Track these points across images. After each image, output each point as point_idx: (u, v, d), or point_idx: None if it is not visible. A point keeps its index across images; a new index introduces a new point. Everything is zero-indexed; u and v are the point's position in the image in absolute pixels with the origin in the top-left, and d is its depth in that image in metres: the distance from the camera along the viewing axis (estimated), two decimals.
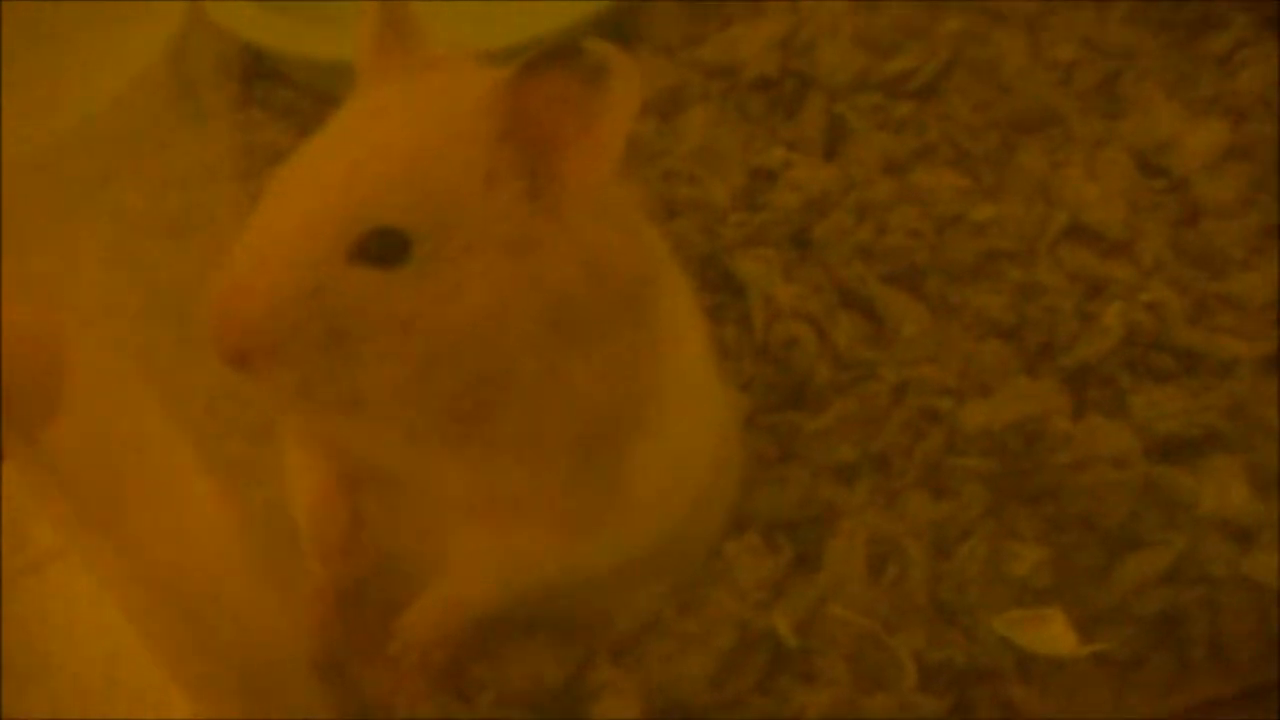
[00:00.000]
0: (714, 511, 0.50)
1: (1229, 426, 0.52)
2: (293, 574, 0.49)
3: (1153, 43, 0.71)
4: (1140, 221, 0.61)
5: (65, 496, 0.41)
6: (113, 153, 0.61)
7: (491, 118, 0.39)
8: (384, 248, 0.37)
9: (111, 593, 0.42)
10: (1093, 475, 0.50)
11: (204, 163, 0.63)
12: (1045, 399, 0.52)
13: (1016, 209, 0.62)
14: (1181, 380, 0.55)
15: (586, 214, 0.40)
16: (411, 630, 0.45)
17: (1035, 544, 0.48)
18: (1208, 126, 0.65)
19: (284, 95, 0.71)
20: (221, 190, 0.62)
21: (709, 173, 0.65)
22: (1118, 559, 0.49)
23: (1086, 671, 0.48)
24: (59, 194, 0.53)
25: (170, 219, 0.61)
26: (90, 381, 0.47)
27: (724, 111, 0.70)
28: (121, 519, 0.49)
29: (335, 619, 0.49)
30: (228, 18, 0.70)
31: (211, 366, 0.53)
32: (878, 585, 0.48)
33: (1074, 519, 0.50)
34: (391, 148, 0.38)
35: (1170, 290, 0.58)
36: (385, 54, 0.42)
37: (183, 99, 0.66)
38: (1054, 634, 0.46)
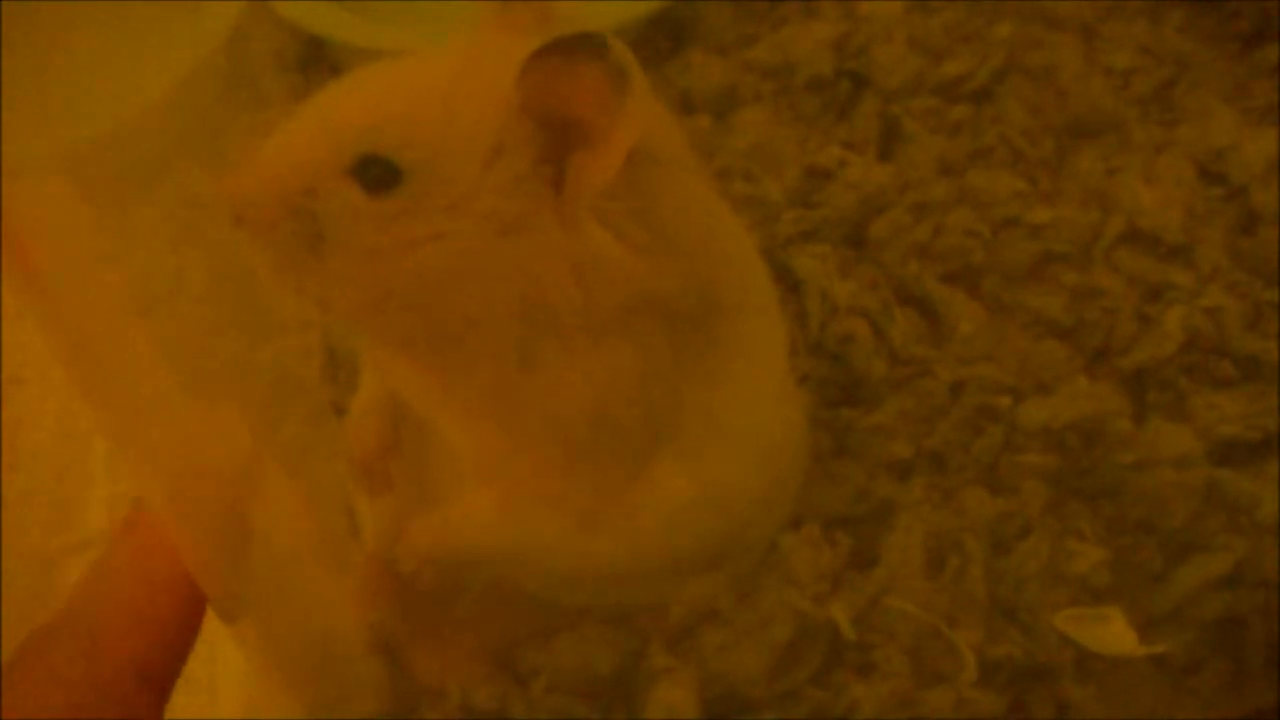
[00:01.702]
0: (776, 510, 0.50)
1: None
2: (349, 555, 0.49)
3: (1208, 52, 0.71)
4: (1198, 228, 0.61)
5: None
6: (175, 139, 0.61)
7: (516, 91, 0.39)
8: (377, 176, 0.39)
9: None
10: (1153, 477, 0.50)
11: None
12: (1105, 399, 0.52)
13: (1073, 213, 0.62)
14: (1240, 386, 0.55)
15: (589, 218, 0.40)
16: (406, 546, 0.46)
17: (1095, 544, 0.48)
18: (1265, 135, 0.65)
19: None
20: None
21: (763, 170, 0.65)
22: (1177, 562, 0.49)
23: (1143, 674, 0.47)
24: (125, 177, 0.53)
25: None
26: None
27: (778, 111, 0.69)
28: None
29: (388, 598, 0.49)
30: (287, 9, 0.71)
31: (275, 347, 0.53)
32: (936, 581, 0.48)
33: (1134, 520, 0.49)
34: (414, 87, 0.40)
35: (1228, 296, 0.58)
36: (502, 14, 0.43)
37: (242, 88, 0.67)
38: (1114, 633, 0.46)
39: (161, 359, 0.39)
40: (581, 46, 0.37)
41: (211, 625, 0.58)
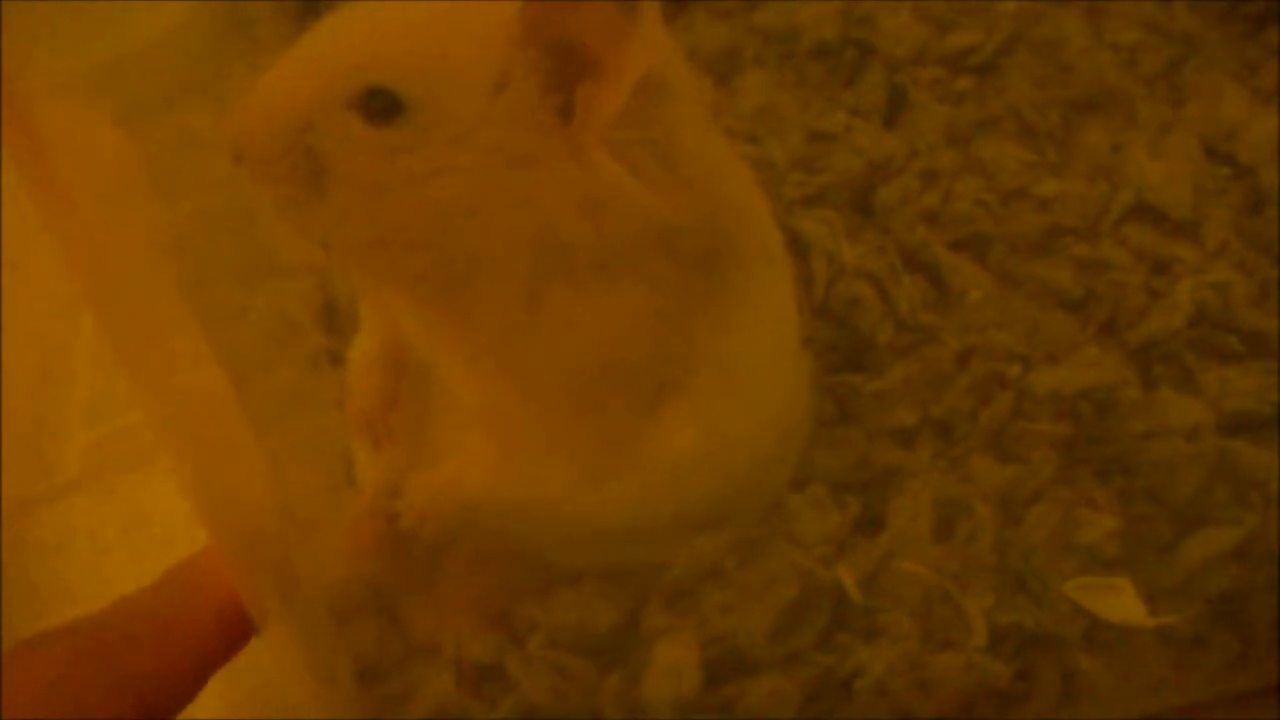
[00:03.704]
0: (780, 468, 0.49)
1: None
2: (342, 503, 0.48)
3: (1216, 32, 0.70)
4: (1205, 205, 0.60)
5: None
6: (171, 80, 0.59)
7: (519, 20, 0.38)
8: (379, 107, 0.38)
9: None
10: (1164, 447, 0.49)
11: None
12: (1116, 369, 0.51)
13: (1080, 186, 0.61)
14: (1247, 362, 0.54)
15: (600, 149, 0.39)
16: (407, 501, 0.45)
17: (1106, 512, 0.47)
18: (1273, 115, 0.64)
19: None
20: None
21: (767, 133, 0.64)
22: (1186, 534, 0.48)
23: (1150, 646, 0.47)
24: (120, 115, 0.52)
25: None
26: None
27: (782, 76, 0.68)
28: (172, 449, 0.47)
29: (380, 548, 0.48)
30: None
31: (270, 289, 0.52)
32: (945, 546, 0.47)
33: (1144, 491, 0.49)
34: (416, 18, 0.39)
35: (1236, 273, 0.57)
36: None
37: (238, 31, 0.65)
38: (1123, 603, 0.45)
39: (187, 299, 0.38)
40: None
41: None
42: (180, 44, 0.62)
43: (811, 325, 0.55)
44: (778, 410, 0.47)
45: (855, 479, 0.51)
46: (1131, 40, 0.69)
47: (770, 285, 0.46)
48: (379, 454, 0.47)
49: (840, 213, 0.59)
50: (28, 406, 0.63)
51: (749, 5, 0.73)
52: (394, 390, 0.47)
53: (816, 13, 0.70)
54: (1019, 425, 0.50)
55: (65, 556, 0.58)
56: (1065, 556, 0.47)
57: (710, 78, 0.68)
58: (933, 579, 0.45)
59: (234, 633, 0.40)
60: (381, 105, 0.38)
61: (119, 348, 0.35)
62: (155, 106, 0.58)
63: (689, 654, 0.44)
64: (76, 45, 0.56)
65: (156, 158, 0.55)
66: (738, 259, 0.43)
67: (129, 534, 0.58)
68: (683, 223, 0.40)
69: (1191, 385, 0.52)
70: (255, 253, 0.52)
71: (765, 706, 0.45)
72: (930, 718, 0.46)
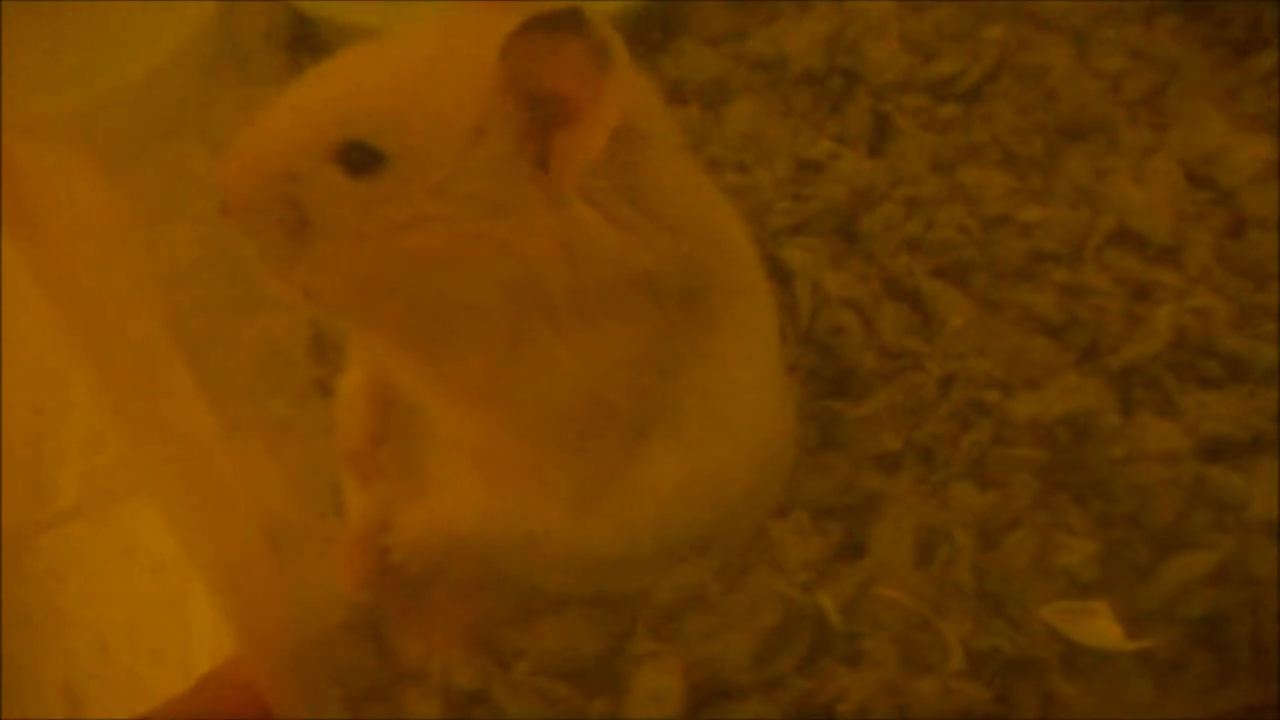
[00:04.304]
0: (764, 499, 0.49)
1: (1278, 432, 0.51)
2: (333, 533, 0.49)
3: (1200, 58, 0.71)
4: (1187, 230, 0.61)
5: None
6: (163, 113, 0.60)
7: (496, 70, 0.39)
8: (359, 160, 0.39)
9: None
10: (1142, 472, 0.50)
11: None
12: (1096, 394, 0.52)
13: (1063, 212, 0.62)
14: (1227, 386, 0.55)
15: (576, 196, 0.40)
16: (397, 535, 0.46)
17: (1084, 537, 0.48)
18: (1256, 141, 0.65)
19: None
20: None
21: (754, 161, 0.65)
22: (1164, 558, 0.49)
23: (1129, 669, 0.47)
24: (111, 150, 0.53)
25: None
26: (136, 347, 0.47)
27: (769, 104, 0.69)
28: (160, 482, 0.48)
29: (371, 576, 0.48)
30: None
31: (261, 325, 0.53)
32: (925, 572, 0.47)
33: (1122, 516, 0.49)
34: (394, 69, 0.40)
35: (1216, 298, 0.58)
36: None
37: (230, 64, 0.66)
38: (1101, 628, 0.46)
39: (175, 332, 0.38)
40: (563, 23, 0.37)
41: (184, 598, 0.58)
42: (171, 79, 0.63)
43: (796, 353, 0.56)
44: (762, 439, 0.48)
45: (838, 504, 0.52)
46: (1115, 67, 0.70)
47: (752, 315, 0.46)
48: (367, 488, 0.48)
49: (825, 240, 0.60)
50: (26, 434, 0.64)
51: (737, 34, 0.74)
52: (382, 424, 0.48)
53: (804, 41, 0.71)
54: (999, 451, 0.51)
55: (62, 583, 0.59)
56: (1043, 581, 0.47)
57: (698, 105, 0.69)
58: (912, 605, 0.46)
59: None
60: (361, 158, 0.39)
61: (105, 387, 0.36)
62: (146, 141, 0.59)
63: (672, 680, 0.45)
64: (64, 83, 0.57)
65: (146, 192, 0.56)
66: (718, 293, 0.44)
67: (125, 561, 0.59)
68: (660, 266, 0.41)
69: (1171, 409, 0.53)
70: (245, 285, 0.53)
71: None
72: None
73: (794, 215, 0.61)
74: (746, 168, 0.64)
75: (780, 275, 0.59)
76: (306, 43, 0.70)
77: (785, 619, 0.46)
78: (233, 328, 0.52)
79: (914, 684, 0.45)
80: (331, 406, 0.48)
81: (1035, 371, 0.54)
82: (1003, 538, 0.48)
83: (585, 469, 0.44)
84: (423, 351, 0.42)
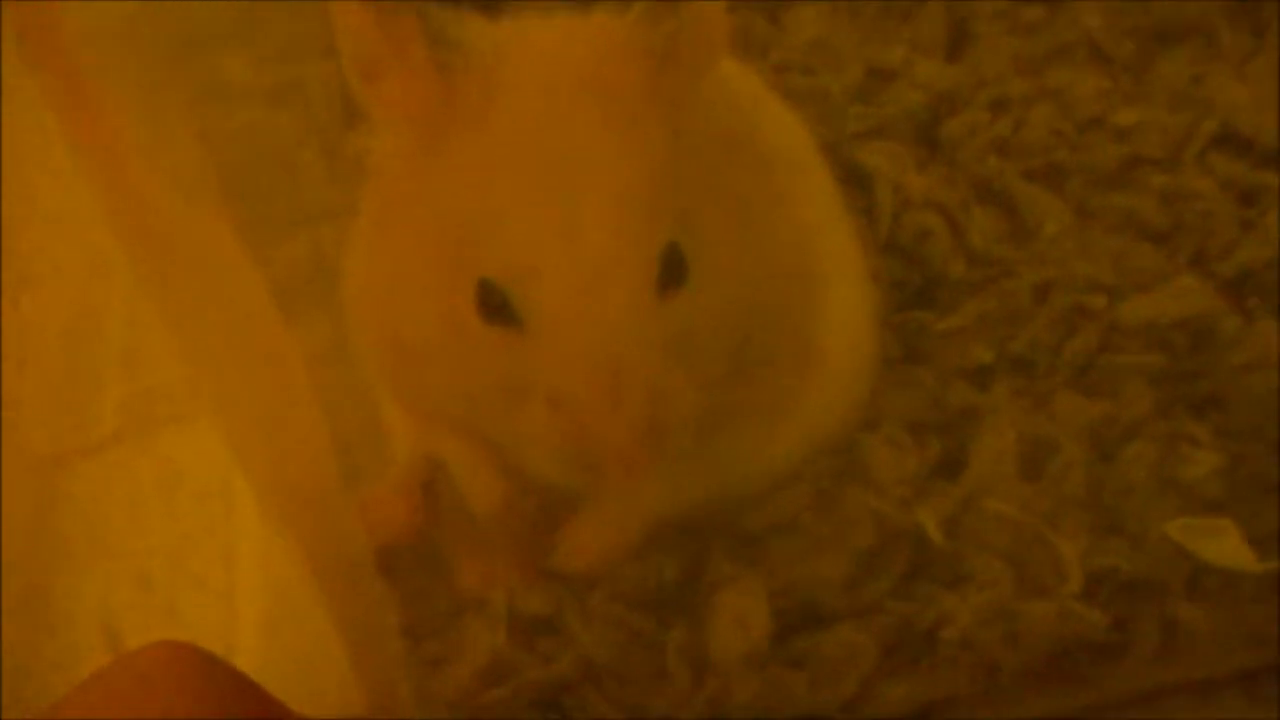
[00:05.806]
0: (851, 410, 0.46)
1: None
2: (372, 463, 0.46)
3: None
4: None
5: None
6: (201, 27, 0.57)
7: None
8: (670, 268, 0.36)
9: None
10: (1266, 381, 0.45)
11: (296, 38, 0.59)
12: (1212, 299, 0.47)
13: (1160, 115, 0.57)
14: None
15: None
16: (576, 557, 0.43)
17: (1208, 449, 0.44)
18: None
19: None
20: (316, 66, 0.58)
21: (823, 66, 0.61)
22: None
23: (1256, 593, 0.43)
24: (150, 64, 0.49)
25: (268, 92, 0.59)
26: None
27: (835, 11, 0.65)
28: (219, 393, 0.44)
29: (422, 507, 0.45)
30: None
31: (298, 237, 0.49)
32: (1033, 486, 0.43)
33: (1245, 427, 0.45)
34: (641, 159, 0.37)
35: None
36: None
37: None
38: (1230, 546, 0.42)
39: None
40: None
41: (230, 532, 0.54)
42: None
43: (876, 260, 0.52)
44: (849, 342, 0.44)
45: (929, 420, 0.48)
46: None
47: (822, 193, 0.46)
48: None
49: (904, 145, 0.56)
50: (62, 361, 0.61)
51: None
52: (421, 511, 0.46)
53: None
54: (1107, 359, 0.47)
55: (102, 510, 0.57)
56: (1165, 496, 0.43)
57: (760, 14, 0.65)
58: (1023, 519, 0.42)
59: None
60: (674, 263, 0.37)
61: (163, 294, 0.33)
62: (187, 52, 0.55)
63: (756, 604, 0.41)
64: None
65: (190, 104, 0.53)
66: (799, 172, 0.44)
67: (165, 488, 0.56)
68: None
69: None
70: (292, 198, 0.50)
71: (841, 660, 0.42)
72: (1017, 671, 0.43)
73: (869, 120, 0.57)
74: (814, 71, 0.59)
75: (857, 179, 0.55)
76: None
77: (880, 539, 0.43)
78: (273, 244, 0.49)
79: (1025, 607, 0.41)
80: None
81: (1142, 277, 0.50)
82: (1119, 450, 0.44)
83: (783, 359, 0.42)
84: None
